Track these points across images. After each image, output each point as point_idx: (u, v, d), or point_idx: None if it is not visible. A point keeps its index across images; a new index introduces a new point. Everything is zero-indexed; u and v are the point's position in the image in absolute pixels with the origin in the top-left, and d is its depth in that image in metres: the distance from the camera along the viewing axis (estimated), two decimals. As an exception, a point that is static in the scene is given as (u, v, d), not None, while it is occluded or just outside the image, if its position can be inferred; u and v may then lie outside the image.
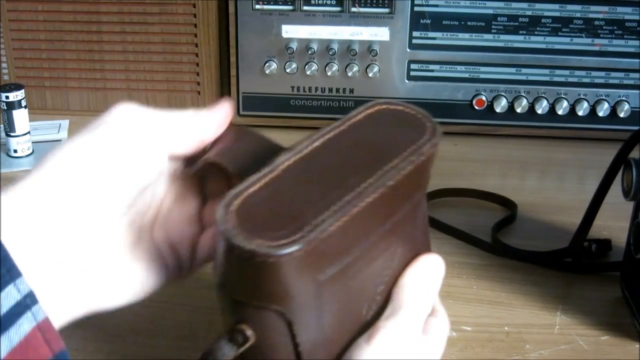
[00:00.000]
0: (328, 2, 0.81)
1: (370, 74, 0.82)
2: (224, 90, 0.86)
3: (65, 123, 0.85)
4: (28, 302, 0.33)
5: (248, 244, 0.33)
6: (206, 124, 0.44)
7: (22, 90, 0.76)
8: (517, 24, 0.81)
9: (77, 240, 0.37)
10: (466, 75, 0.83)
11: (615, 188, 0.57)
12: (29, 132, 0.78)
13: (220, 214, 0.34)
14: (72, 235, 0.37)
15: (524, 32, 0.81)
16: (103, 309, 0.40)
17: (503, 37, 0.81)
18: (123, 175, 0.39)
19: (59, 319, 0.37)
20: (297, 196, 0.36)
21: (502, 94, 0.83)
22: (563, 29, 0.81)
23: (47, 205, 0.36)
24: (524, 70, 0.82)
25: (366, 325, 0.39)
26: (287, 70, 0.83)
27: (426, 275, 0.42)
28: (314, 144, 0.39)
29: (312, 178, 0.37)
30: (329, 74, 0.82)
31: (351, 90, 0.84)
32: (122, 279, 0.40)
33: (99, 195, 0.38)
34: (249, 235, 0.33)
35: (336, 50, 0.81)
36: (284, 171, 0.37)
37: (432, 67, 0.83)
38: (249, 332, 0.36)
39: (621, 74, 0.82)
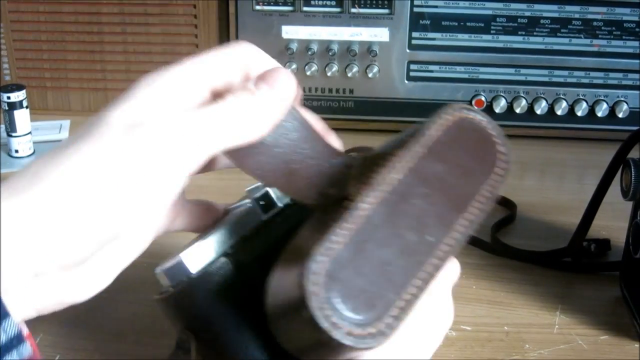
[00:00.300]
0: (328, 2, 0.81)
1: (370, 75, 0.82)
2: (224, 90, 0.86)
3: (66, 123, 0.85)
4: (14, 343, 0.31)
5: (335, 331, 0.30)
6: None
7: (24, 91, 0.76)
8: (516, 24, 0.81)
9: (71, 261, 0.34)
10: (465, 75, 0.83)
11: (614, 188, 0.57)
12: (30, 133, 0.78)
13: (305, 277, 0.30)
14: (67, 260, 0.34)
15: (523, 32, 0.81)
16: (74, 302, 0.38)
17: (502, 37, 0.81)
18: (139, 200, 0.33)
19: (27, 314, 0.36)
20: (377, 264, 0.32)
21: (501, 94, 0.83)
22: (562, 30, 0.81)
23: (48, 232, 0.32)
24: (523, 71, 0.82)
25: None
26: (287, 71, 0.83)
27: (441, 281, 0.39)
28: (393, 175, 0.34)
29: (393, 234, 0.33)
30: (328, 74, 0.83)
31: (351, 91, 0.84)
32: (96, 273, 0.38)
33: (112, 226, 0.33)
34: (337, 319, 0.30)
35: (336, 50, 0.82)
36: (366, 221, 0.33)
37: (431, 67, 0.83)
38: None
39: (620, 75, 0.82)
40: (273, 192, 0.42)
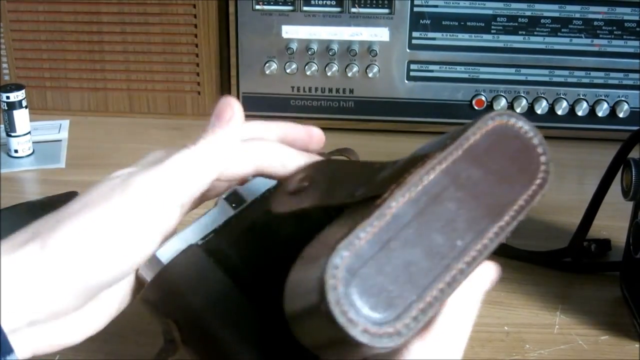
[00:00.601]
0: (328, 2, 0.81)
1: (370, 75, 0.82)
2: (224, 90, 0.86)
3: (65, 123, 0.85)
4: None
5: (351, 327, 0.30)
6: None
7: (23, 91, 0.76)
8: (516, 24, 0.81)
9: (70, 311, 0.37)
10: (466, 75, 0.83)
11: (615, 188, 0.57)
12: (29, 132, 0.78)
13: (325, 270, 0.30)
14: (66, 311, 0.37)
15: (524, 32, 0.81)
16: (67, 345, 0.40)
17: (502, 37, 0.81)
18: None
19: (22, 355, 0.37)
20: (401, 264, 0.32)
21: (502, 94, 0.83)
22: (562, 30, 0.81)
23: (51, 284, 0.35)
24: (523, 71, 0.82)
25: None
26: (287, 71, 0.83)
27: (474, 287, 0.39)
28: (425, 175, 0.34)
29: (420, 235, 0.33)
30: (328, 74, 0.83)
31: (351, 91, 0.84)
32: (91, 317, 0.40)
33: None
34: (353, 315, 0.30)
35: (336, 50, 0.82)
36: (394, 218, 0.32)
37: (431, 67, 0.83)
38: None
39: (620, 74, 0.82)
40: (241, 190, 0.43)
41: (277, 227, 0.42)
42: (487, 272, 0.40)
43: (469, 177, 0.35)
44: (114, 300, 0.40)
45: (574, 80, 0.82)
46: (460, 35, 0.82)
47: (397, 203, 0.33)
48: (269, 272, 0.40)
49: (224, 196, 0.43)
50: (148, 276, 0.40)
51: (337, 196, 0.37)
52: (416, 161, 0.35)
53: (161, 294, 0.39)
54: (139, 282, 0.41)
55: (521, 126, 0.37)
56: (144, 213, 0.37)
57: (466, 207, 0.34)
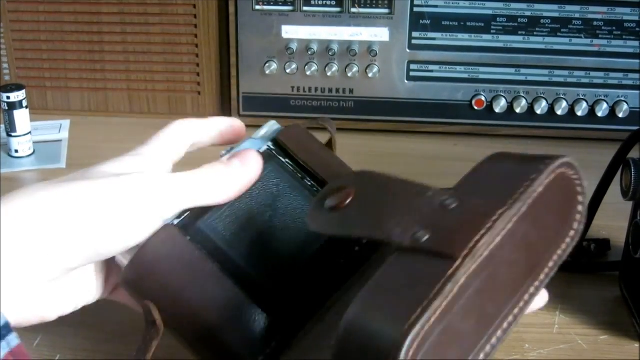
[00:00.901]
0: (328, 2, 0.81)
1: (370, 75, 0.82)
2: (224, 90, 0.86)
3: (66, 123, 0.85)
4: (3, 332, 0.34)
5: None
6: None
7: (23, 91, 0.76)
8: (516, 24, 0.81)
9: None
10: (465, 75, 0.83)
11: (614, 188, 0.57)
12: (30, 132, 0.78)
13: (399, 350, 0.28)
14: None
15: (523, 32, 0.81)
16: (52, 317, 0.42)
17: (502, 37, 0.81)
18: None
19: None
20: (453, 337, 0.30)
21: (502, 94, 0.83)
22: (562, 30, 0.81)
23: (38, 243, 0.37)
24: (523, 71, 0.82)
25: None
26: (287, 71, 0.83)
27: None
28: (495, 240, 0.31)
29: (476, 305, 0.31)
30: (328, 74, 0.83)
31: (351, 91, 0.84)
32: (78, 289, 0.42)
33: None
34: None
35: (336, 50, 0.82)
36: (460, 289, 0.30)
37: (431, 67, 0.83)
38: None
39: (620, 75, 0.82)
40: None
41: (252, 203, 0.43)
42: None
43: (525, 234, 0.32)
44: (88, 286, 0.43)
45: (574, 80, 0.82)
46: (460, 36, 0.82)
47: (467, 274, 0.30)
48: (246, 248, 0.41)
49: None
50: (126, 259, 0.40)
51: (389, 230, 0.34)
52: (478, 210, 0.32)
53: (139, 275, 0.40)
54: (118, 269, 0.42)
55: (577, 177, 0.35)
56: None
57: (515, 269, 0.32)
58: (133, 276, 0.40)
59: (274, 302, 0.40)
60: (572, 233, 0.35)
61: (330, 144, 0.50)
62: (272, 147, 0.46)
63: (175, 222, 0.41)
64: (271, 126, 0.48)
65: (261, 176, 0.43)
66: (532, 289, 0.33)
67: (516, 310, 0.33)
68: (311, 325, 0.40)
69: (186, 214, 0.41)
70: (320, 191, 0.42)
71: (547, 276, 0.34)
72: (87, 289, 0.43)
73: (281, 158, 0.46)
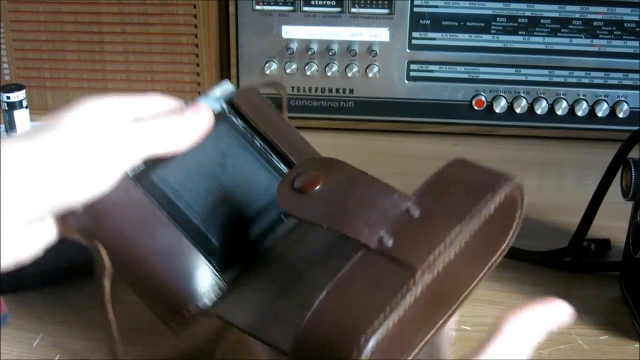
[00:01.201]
0: (328, 2, 0.81)
1: (370, 75, 0.82)
2: (224, 90, 0.86)
3: (65, 123, 0.85)
4: None
5: None
6: (180, 131, 0.44)
7: (24, 91, 0.76)
8: (516, 24, 0.81)
9: None
10: (466, 75, 0.83)
11: (615, 188, 0.57)
12: (29, 132, 0.78)
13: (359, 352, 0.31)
14: None
15: (523, 32, 0.81)
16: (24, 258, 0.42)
17: (502, 37, 0.81)
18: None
19: None
20: (403, 340, 0.34)
21: (502, 94, 0.83)
22: (562, 30, 0.81)
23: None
24: (523, 71, 0.82)
25: None
26: (287, 71, 0.83)
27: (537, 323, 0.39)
28: (450, 253, 0.34)
29: (424, 316, 0.34)
30: (328, 74, 0.83)
31: (351, 91, 0.84)
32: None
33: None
34: None
35: (336, 50, 0.82)
36: (416, 299, 0.33)
37: (431, 67, 0.83)
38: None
39: (620, 75, 0.82)
40: None
41: (203, 159, 0.45)
42: (555, 313, 0.39)
43: (473, 246, 0.35)
44: (45, 232, 0.43)
45: (574, 80, 0.82)
46: (460, 36, 0.82)
47: (423, 286, 0.33)
48: (194, 200, 0.44)
49: None
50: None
51: (356, 228, 0.36)
52: (438, 222, 0.34)
53: (93, 221, 0.41)
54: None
55: (521, 198, 0.38)
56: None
57: (460, 276, 0.35)
58: (87, 222, 0.41)
59: (217, 251, 0.43)
60: (507, 240, 0.38)
61: (280, 107, 0.51)
62: (225, 107, 0.48)
63: (130, 173, 0.43)
64: (225, 87, 0.49)
65: (213, 135, 0.45)
66: (466, 293, 0.36)
67: (450, 311, 0.36)
68: (253, 275, 0.43)
69: (142, 167, 0.43)
70: (272, 156, 0.47)
71: (481, 280, 0.37)
72: (50, 230, 0.44)
73: (234, 119, 0.48)
